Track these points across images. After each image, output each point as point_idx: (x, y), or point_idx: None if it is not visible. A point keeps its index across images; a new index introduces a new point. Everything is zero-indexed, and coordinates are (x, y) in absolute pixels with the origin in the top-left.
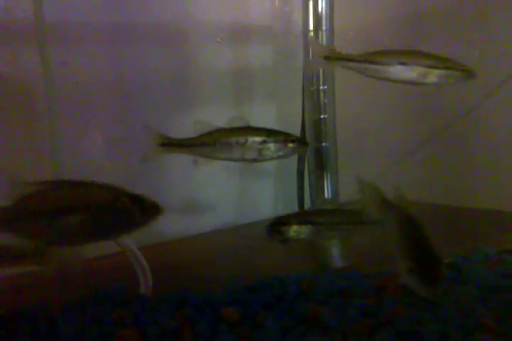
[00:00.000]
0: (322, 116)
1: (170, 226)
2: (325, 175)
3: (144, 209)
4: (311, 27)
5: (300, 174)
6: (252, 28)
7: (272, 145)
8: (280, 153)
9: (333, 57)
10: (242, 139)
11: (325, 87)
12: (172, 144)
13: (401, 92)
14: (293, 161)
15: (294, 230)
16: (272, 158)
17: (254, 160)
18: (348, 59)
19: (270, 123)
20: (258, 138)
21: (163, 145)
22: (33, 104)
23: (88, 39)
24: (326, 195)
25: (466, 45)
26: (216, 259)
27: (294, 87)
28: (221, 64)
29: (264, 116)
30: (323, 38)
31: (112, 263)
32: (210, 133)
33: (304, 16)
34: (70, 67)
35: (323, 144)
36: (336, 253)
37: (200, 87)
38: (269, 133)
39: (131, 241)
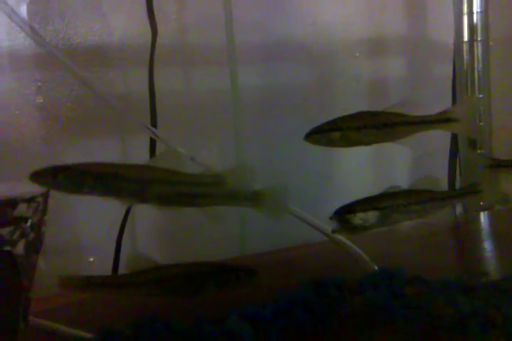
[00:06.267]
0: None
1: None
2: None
3: None
4: (466, 38)
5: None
6: (387, 41)
7: None
8: None
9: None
10: None
11: (481, 96)
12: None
13: None
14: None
15: (360, 217)
16: None
17: None
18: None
19: None
20: None
21: (492, 166)
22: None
23: (249, 59)
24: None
25: None
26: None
27: (430, 97)
28: (359, 76)
29: None
30: (479, 49)
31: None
32: None
33: (457, 27)
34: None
35: (478, 151)
36: None
37: (341, 99)
38: None
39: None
